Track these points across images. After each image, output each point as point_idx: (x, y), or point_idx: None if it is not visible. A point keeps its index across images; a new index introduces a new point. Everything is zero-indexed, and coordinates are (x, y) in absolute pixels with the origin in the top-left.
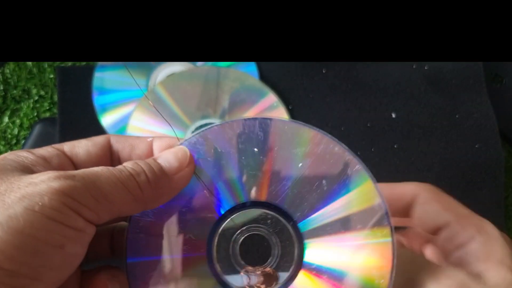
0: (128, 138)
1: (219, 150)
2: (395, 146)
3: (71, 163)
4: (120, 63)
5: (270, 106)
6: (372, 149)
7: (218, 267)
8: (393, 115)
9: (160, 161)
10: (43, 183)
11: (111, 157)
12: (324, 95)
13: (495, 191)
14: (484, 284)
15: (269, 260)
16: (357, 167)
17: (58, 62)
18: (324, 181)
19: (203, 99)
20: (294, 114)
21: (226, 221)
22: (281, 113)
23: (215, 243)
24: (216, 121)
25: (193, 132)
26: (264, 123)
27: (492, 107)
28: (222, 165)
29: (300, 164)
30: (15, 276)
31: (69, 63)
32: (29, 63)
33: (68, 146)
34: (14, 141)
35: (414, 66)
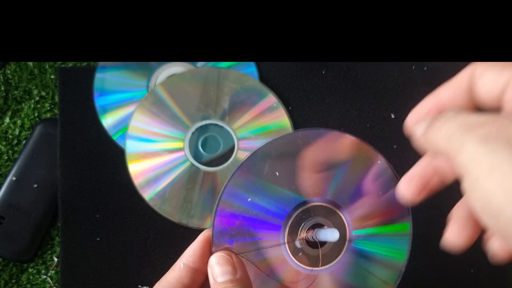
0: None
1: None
2: (395, 147)
3: None
4: (121, 63)
5: (270, 107)
6: None
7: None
8: (392, 116)
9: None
10: None
11: None
12: (324, 96)
13: None
14: None
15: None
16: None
17: (59, 63)
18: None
19: (203, 100)
20: (294, 115)
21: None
22: (281, 114)
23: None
24: (216, 122)
25: (193, 132)
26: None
27: None
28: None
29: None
30: None
31: (70, 64)
32: (30, 64)
33: None
34: (15, 141)
35: (413, 67)
